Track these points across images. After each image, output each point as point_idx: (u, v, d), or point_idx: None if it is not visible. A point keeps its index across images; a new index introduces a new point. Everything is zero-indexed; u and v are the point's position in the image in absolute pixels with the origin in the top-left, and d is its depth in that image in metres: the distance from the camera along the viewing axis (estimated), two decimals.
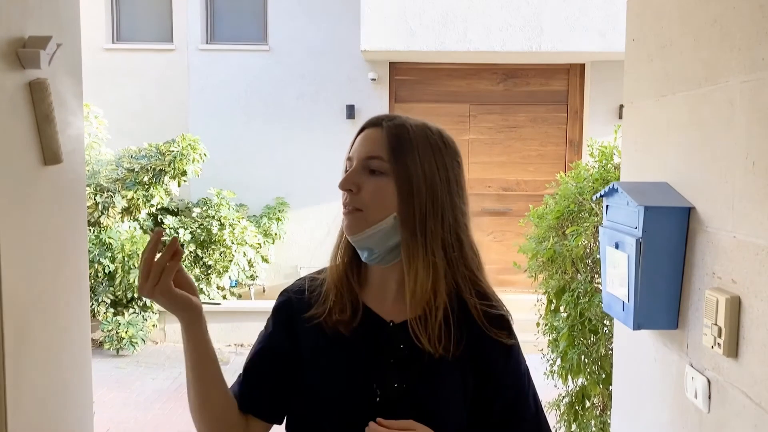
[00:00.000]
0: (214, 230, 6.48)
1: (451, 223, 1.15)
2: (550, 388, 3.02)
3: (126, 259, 5.92)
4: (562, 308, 2.96)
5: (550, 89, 7.41)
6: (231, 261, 6.55)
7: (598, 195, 1.90)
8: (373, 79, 7.34)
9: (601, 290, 2.38)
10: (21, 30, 1.43)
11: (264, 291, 7.41)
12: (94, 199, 5.92)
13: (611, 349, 2.49)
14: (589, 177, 2.98)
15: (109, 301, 5.96)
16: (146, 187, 6.09)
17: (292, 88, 7.46)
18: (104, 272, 5.90)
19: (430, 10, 6.63)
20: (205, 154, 6.34)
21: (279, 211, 7.30)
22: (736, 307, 1.33)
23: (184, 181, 6.31)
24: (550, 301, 3.04)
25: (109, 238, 5.97)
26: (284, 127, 7.47)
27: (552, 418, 2.87)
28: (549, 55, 6.87)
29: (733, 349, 1.34)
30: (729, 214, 1.38)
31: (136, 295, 5.96)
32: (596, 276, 2.83)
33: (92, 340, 5.98)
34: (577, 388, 2.95)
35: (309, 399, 1.14)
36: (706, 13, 1.50)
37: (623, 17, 2.04)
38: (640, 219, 1.58)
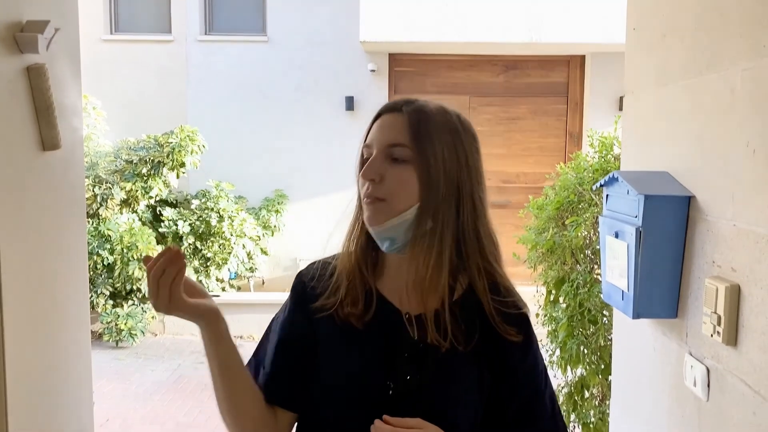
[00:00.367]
0: (213, 222, 6.48)
1: (470, 211, 1.12)
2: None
3: (125, 251, 5.91)
4: (561, 299, 2.96)
5: (550, 81, 7.39)
6: (230, 253, 6.55)
7: (598, 184, 1.89)
8: (373, 71, 7.32)
9: (600, 281, 2.38)
10: (19, 14, 1.42)
11: (263, 283, 7.41)
12: (93, 190, 5.91)
13: (610, 340, 2.49)
14: (589, 168, 2.97)
15: (108, 293, 5.96)
16: (145, 178, 6.07)
17: (290, 79, 7.43)
18: (103, 264, 5.90)
19: (430, 1, 6.61)
20: (203, 146, 6.32)
21: (278, 203, 7.30)
22: (735, 295, 1.33)
23: (183, 172, 6.30)
24: (549, 292, 3.04)
25: (108, 230, 5.96)
26: (283, 119, 7.45)
27: None
28: (549, 47, 6.84)
29: (732, 337, 1.34)
30: (729, 202, 1.38)
31: (135, 287, 5.96)
32: (596, 267, 2.82)
33: (92, 332, 5.98)
34: (576, 379, 2.96)
35: (321, 389, 1.11)
36: (708, 0, 1.49)
37: (624, 8, 2.02)
38: (640, 208, 1.57)
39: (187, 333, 6.30)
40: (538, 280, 3.15)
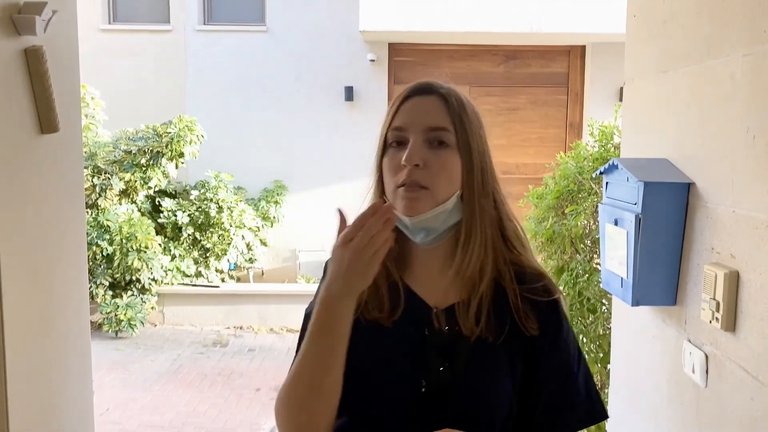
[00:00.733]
0: (212, 213, 6.47)
1: (497, 198, 1.10)
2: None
3: (124, 241, 5.91)
4: (560, 288, 2.96)
5: (550, 71, 7.37)
6: (229, 244, 6.55)
7: (597, 172, 1.89)
8: (372, 61, 7.29)
9: (599, 270, 2.38)
10: None
11: (263, 274, 7.42)
12: (92, 181, 5.90)
13: (609, 329, 2.49)
14: (589, 157, 2.97)
15: (107, 283, 5.97)
16: (144, 169, 6.06)
17: (290, 69, 7.41)
18: (102, 255, 5.89)
19: None
20: (202, 136, 6.31)
21: (277, 194, 7.29)
22: (734, 281, 1.33)
23: (182, 163, 6.29)
24: None
25: (107, 220, 5.96)
26: (282, 109, 7.43)
27: None
28: (550, 37, 6.82)
29: (731, 323, 1.34)
30: (728, 189, 1.38)
31: (134, 278, 5.96)
32: (595, 256, 2.83)
33: (91, 322, 5.98)
34: None
35: (352, 388, 1.03)
36: None
37: None
38: (639, 195, 1.57)
39: (186, 323, 6.32)
40: None
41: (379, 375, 1.05)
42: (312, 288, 7.08)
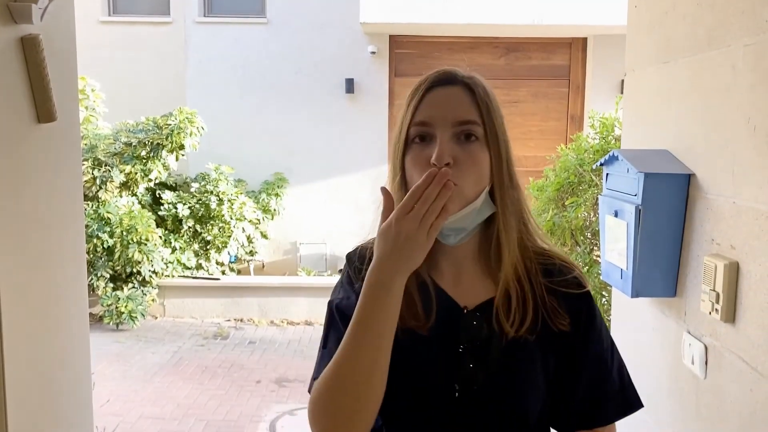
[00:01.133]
0: (213, 206, 6.47)
1: (520, 188, 1.07)
2: None
3: (124, 234, 5.91)
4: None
5: (551, 63, 7.35)
6: (230, 237, 6.55)
7: (598, 163, 1.88)
8: (373, 53, 7.27)
9: (599, 262, 2.38)
10: None
11: (263, 267, 7.42)
12: (92, 173, 5.90)
13: (609, 320, 2.49)
14: (590, 149, 2.96)
15: (108, 275, 5.97)
16: (144, 161, 6.06)
17: (290, 61, 7.39)
18: (103, 247, 5.89)
19: None
20: (202, 128, 6.30)
21: (278, 186, 7.28)
22: (734, 272, 1.33)
23: (182, 155, 6.28)
24: None
25: (108, 212, 5.96)
26: (282, 102, 7.42)
27: None
28: (551, 29, 6.79)
29: (730, 314, 1.34)
30: (729, 179, 1.37)
31: (134, 270, 5.96)
32: (595, 248, 2.82)
33: (92, 314, 6.00)
34: None
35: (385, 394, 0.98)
36: None
37: None
38: (639, 186, 1.57)
39: (187, 316, 6.33)
40: None
41: (412, 382, 1.01)
42: (313, 281, 7.06)
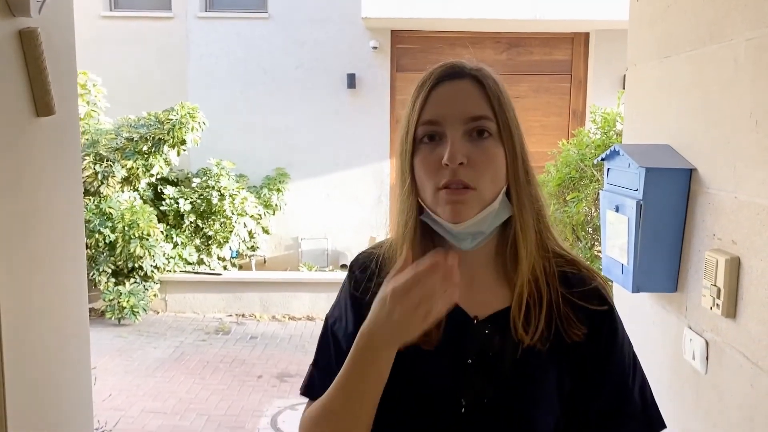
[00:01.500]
0: (214, 201, 6.47)
1: (536, 185, 0.99)
2: None
3: (126, 229, 5.92)
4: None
5: (553, 58, 7.33)
6: (231, 232, 6.55)
7: (599, 158, 1.88)
8: (375, 48, 7.26)
9: (601, 257, 2.38)
10: None
11: (265, 262, 7.43)
12: (94, 168, 5.90)
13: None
14: (591, 144, 2.95)
15: (110, 270, 5.98)
16: (146, 156, 6.06)
17: (292, 56, 7.38)
18: (105, 242, 5.90)
19: None
20: (204, 123, 6.29)
21: (279, 182, 7.28)
22: (735, 267, 1.32)
23: (184, 150, 6.28)
24: None
25: (109, 207, 5.96)
26: (284, 97, 7.41)
27: None
28: (553, 24, 6.77)
29: (731, 309, 1.33)
30: (731, 174, 1.37)
31: (136, 265, 5.97)
32: (596, 243, 2.82)
33: (94, 309, 6.01)
34: None
35: (386, 412, 0.94)
36: None
37: None
38: (641, 181, 1.56)
39: (188, 311, 6.33)
40: None
41: (417, 398, 0.95)
42: (315, 276, 7.05)
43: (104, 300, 5.92)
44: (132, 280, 6.05)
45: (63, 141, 1.71)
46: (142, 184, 6.32)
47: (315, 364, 1.04)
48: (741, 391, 1.30)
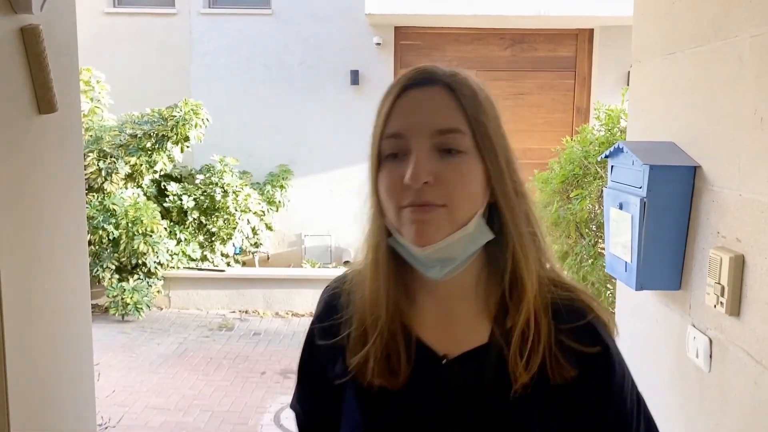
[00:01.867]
0: (218, 197, 6.47)
1: (528, 198, 0.87)
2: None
3: (130, 225, 5.93)
4: (565, 272, 2.95)
5: (558, 55, 7.30)
6: (235, 228, 6.56)
7: (603, 155, 1.87)
8: (378, 44, 7.24)
9: (604, 254, 2.37)
10: None
11: (268, 258, 7.43)
12: (98, 165, 5.91)
13: (614, 313, 2.48)
14: (595, 141, 2.94)
15: (113, 267, 5.99)
16: (149, 153, 6.06)
17: (295, 53, 7.37)
18: (108, 238, 5.91)
19: None
20: (207, 119, 6.30)
21: (282, 178, 7.28)
22: (740, 265, 1.32)
23: (187, 146, 6.29)
24: None
25: (113, 204, 5.97)
26: (287, 93, 7.41)
27: None
28: (557, 20, 6.75)
29: (735, 307, 1.33)
30: (735, 172, 1.36)
31: (140, 261, 5.98)
32: (600, 240, 2.81)
33: (98, 305, 6.03)
34: None
35: None
36: None
37: None
38: (645, 178, 1.55)
39: (192, 307, 6.34)
40: None
41: None
42: (318, 273, 7.07)
43: (108, 296, 5.93)
44: (135, 276, 6.07)
45: (65, 138, 1.71)
46: (146, 180, 6.33)
47: (298, 379, 1.01)
48: (745, 389, 1.30)
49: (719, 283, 1.36)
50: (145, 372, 4.82)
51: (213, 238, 6.58)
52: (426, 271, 0.83)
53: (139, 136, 6.06)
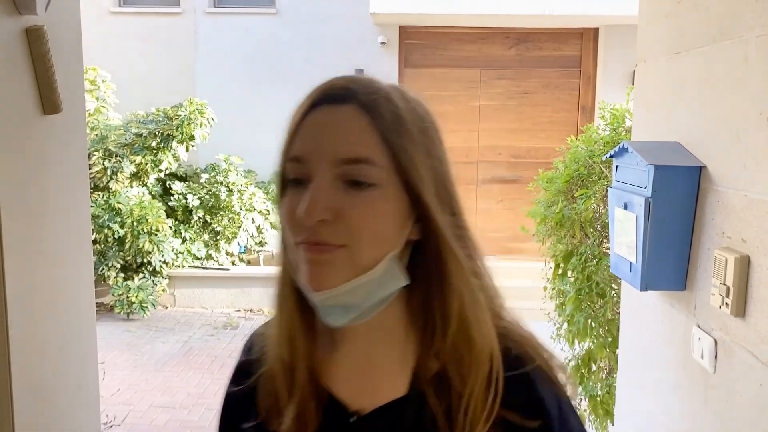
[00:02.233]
0: (223, 196, 6.49)
1: (463, 243, 0.74)
2: (555, 352, 3.03)
3: (135, 224, 5.94)
4: (569, 272, 2.95)
5: (562, 54, 7.29)
6: (240, 227, 6.57)
7: (608, 155, 1.87)
8: (383, 43, 7.24)
9: (609, 254, 2.36)
10: None
11: (273, 257, 7.44)
12: (103, 164, 5.93)
13: (618, 313, 2.48)
14: (600, 140, 2.94)
15: (119, 265, 6.01)
16: (154, 152, 6.08)
17: (300, 52, 7.38)
18: (114, 237, 5.93)
19: None
20: (212, 119, 6.31)
21: None
22: (745, 266, 1.31)
23: (192, 145, 6.30)
24: (557, 265, 3.03)
25: (118, 203, 5.99)
26: (292, 92, 7.29)
27: None
28: (562, 19, 6.73)
29: (740, 308, 1.32)
30: (741, 172, 1.35)
31: (145, 260, 6.00)
32: (604, 240, 2.80)
33: (103, 304, 6.05)
34: (584, 352, 2.95)
35: None
36: None
37: None
38: (649, 178, 1.55)
39: (197, 306, 6.36)
40: (546, 254, 3.13)
41: None
42: None
43: (113, 295, 5.96)
44: (141, 275, 6.09)
45: (70, 139, 1.71)
46: (151, 179, 6.35)
47: None
48: (750, 391, 1.29)
49: (724, 284, 1.35)
50: (150, 370, 4.83)
51: (218, 237, 6.59)
52: (324, 317, 0.72)
53: (144, 135, 6.08)
